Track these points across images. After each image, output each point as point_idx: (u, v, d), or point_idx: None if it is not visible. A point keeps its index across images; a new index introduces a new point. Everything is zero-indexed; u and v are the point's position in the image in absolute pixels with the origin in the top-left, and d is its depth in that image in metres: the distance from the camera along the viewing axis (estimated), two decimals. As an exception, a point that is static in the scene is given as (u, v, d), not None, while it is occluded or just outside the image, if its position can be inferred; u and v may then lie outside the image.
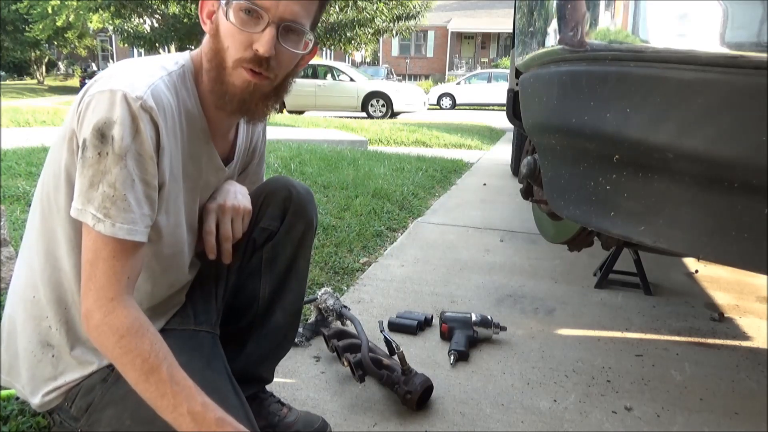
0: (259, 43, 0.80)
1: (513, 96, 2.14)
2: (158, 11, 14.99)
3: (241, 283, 1.11)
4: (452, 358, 1.51)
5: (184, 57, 0.89)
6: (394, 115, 12.38)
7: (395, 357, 1.32)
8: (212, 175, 0.96)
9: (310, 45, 0.87)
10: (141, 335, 0.75)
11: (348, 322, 1.57)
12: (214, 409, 0.75)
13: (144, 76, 0.79)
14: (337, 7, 14.50)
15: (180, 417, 0.73)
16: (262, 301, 1.12)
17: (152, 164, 0.78)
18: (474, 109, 17.52)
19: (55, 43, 27.95)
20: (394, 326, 1.69)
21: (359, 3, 13.79)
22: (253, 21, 0.81)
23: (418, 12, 16.61)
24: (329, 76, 12.64)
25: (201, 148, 0.91)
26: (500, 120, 11.26)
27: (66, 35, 25.76)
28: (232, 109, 0.87)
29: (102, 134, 0.73)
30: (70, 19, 23.17)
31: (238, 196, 1.00)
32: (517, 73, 1.62)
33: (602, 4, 0.98)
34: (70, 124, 0.78)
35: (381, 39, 18.94)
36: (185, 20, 14.46)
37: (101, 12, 15.58)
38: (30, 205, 0.88)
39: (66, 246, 0.83)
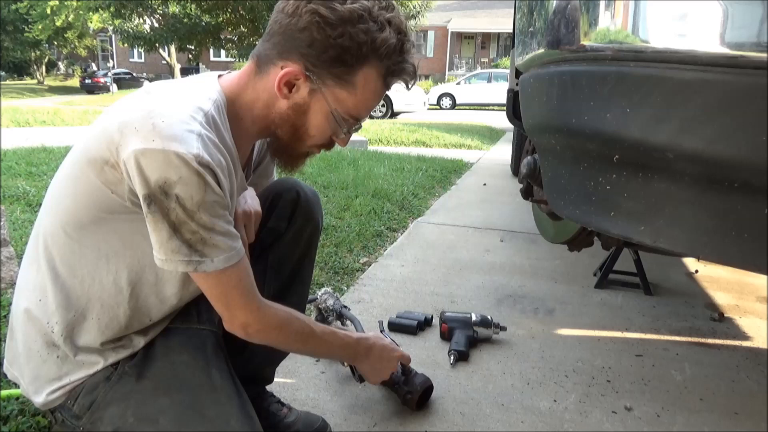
0: (342, 140, 0.93)
1: (513, 96, 2.14)
2: (158, 11, 14.98)
3: None
4: (452, 358, 1.51)
5: (216, 89, 0.86)
6: (394, 115, 12.38)
7: (395, 357, 1.32)
8: (240, 191, 0.97)
9: None
10: (291, 321, 0.94)
11: (348, 322, 1.57)
12: (350, 334, 1.10)
13: (186, 126, 0.76)
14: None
15: (336, 351, 1.08)
16: None
17: (223, 203, 0.80)
18: (474, 109, 17.53)
19: (55, 43, 27.97)
20: (394, 326, 1.69)
21: (359, 3, 13.80)
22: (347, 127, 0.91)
23: (418, 12, 16.60)
24: (329, 76, 12.63)
25: (236, 175, 0.91)
26: (500, 120, 11.27)
27: (66, 35, 25.79)
28: (284, 164, 0.97)
29: (165, 192, 0.74)
30: (70, 19, 23.22)
31: (248, 200, 1.02)
32: (517, 73, 1.62)
33: (602, 4, 0.98)
34: (98, 152, 0.77)
35: (381, 39, 18.91)
36: (185, 20, 14.45)
37: (101, 12, 15.58)
38: (30, 205, 0.88)
39: (112, 257, 0.83)
